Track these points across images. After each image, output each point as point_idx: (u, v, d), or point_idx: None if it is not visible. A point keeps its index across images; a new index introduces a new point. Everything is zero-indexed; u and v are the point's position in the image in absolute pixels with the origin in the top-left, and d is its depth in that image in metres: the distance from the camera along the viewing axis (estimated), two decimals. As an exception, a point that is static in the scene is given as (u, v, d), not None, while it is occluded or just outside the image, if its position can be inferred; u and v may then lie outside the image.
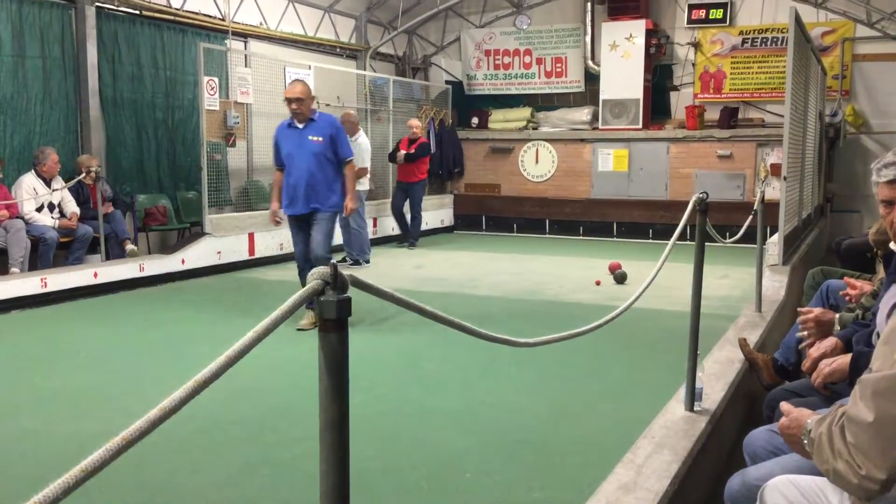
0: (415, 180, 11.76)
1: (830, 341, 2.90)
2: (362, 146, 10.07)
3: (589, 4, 13.55)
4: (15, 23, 8.44)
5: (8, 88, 8.41)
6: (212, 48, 10.08)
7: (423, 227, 13.50)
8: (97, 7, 9.16)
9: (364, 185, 10.24)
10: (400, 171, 11.83)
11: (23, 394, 4.69)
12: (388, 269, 9.79)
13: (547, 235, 13.66)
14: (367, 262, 10.00)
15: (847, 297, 3.80)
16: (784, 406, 1.97)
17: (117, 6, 9.50)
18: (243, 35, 11.31)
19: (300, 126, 6.27)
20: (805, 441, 1.78)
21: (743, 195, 12.40)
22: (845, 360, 2.67)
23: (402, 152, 11.63)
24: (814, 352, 2.89)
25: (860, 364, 2.58)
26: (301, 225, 6.37)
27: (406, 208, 11.95)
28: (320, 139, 6.21)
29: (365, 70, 13.43)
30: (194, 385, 1.14)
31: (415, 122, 11.88)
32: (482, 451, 3.79)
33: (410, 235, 11.93)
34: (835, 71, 12.30)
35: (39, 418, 4.24)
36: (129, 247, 8.72)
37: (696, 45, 13.15)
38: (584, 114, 13.68)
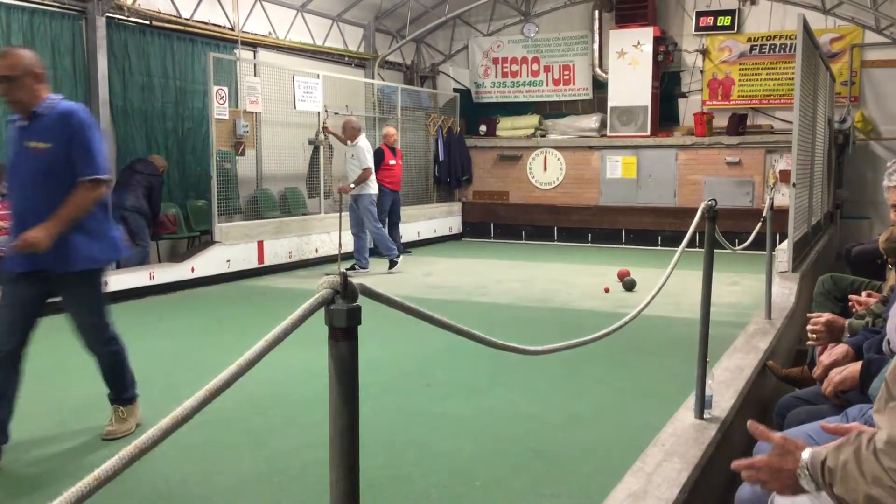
0: (401, 188, 11.64)
1: (842, 348, 2.88)
2: (363, 148, 9.99)
3: (597, 12, 13.56)
4: (26, 33, 8.51)
5: (19, 98, 8.46)
6: (221, 58, 10.14)
7: (432, 234, 13.56)
8: (108, 18, 9.22)
9: (371, 188, 10.12)
10: (391, 179, 11.23)
11: (33, 401, 4.70)
12: (396, 277, 9.79)
13: (555, 243, 13.66)
14: (365, 268, 9.94)
15: (854, 310, 3.80)
16: (761, 431, 1.82)
17: (127, 17, 9.57)
18: (253, 45, 11.38)
19: (25, 123, 3.83)
20: (805, 475, 1.66)
21: (752, 202, 12.37)
22: (856, 367, 2.66)
23: None
24: (825, 359, 2.88)
25: (871, 371, 2.57)
26: (27, 283, 3.82)
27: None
28: (47, 146, 3.74)
29: (373, 78, 13.48)
30: (206, 393, 1.15)
31: (391, 129, 11.53)
32: (491, 458, 3.78)
33: (398, 245, 11.46)
34: (843, 77, 12.27)
35: (49, 426, 4.26)
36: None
37: (704, 52, 13.14)
38: (592, 121, 13.69)
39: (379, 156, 11.25)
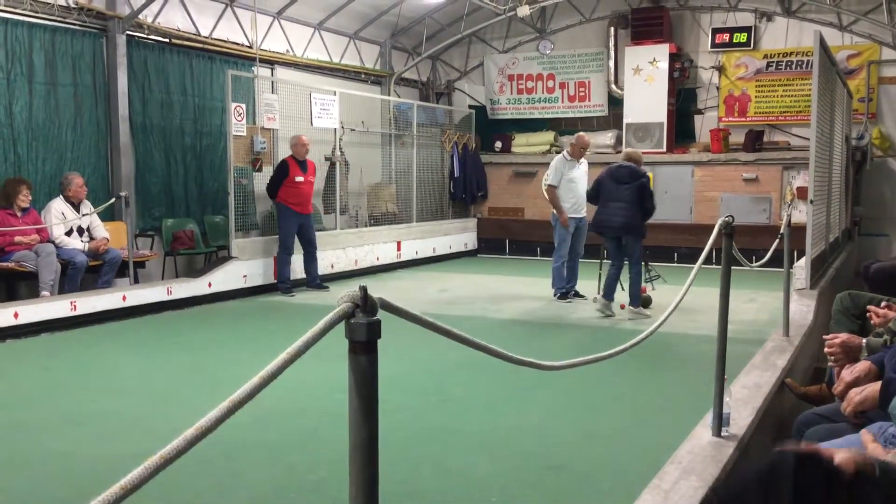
0: (311, 210, 9.87)
1: (864, 365, 2.84)
2: (551, 163, 9.20)
3: (612, 29, 13.60)
4: (48, 51, 8.63)
5: (40, 115, 8.58)
6: (239, 75, 10.23)
7: (447, 250, 13.48)
8: (128, 35, 9.35)
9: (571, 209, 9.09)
10: (296, 199, 9.46)
11: (51, 416, 4.74)
12: (412, 292, 9.80)
13: (571, 259, 13.59)
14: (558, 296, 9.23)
15: (873, 322, 3.76)
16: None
17: (147, 35, 9.70)
18: (270, 62, 11.48)
19: None
20: None
21: (769, 219, 12.31)
22: (875, 387, 2.63)
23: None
24: (847, 375, 2.83)
25: (891, 390, 2.54)
26: None
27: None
28: None
29: (389, 95, 13.56)
30: (230, 404, 1.17)
31: (301, 137, 9.65)
32: (507, 475, 3.77)
33: (313, 279, 9.85)
34: (861, 94, 12.21)
35: (68, 440, 4.28)
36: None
37: (721, 69, 13.13)
38: (607, 137, 13.68)
39: (282, 170, 9.46)
